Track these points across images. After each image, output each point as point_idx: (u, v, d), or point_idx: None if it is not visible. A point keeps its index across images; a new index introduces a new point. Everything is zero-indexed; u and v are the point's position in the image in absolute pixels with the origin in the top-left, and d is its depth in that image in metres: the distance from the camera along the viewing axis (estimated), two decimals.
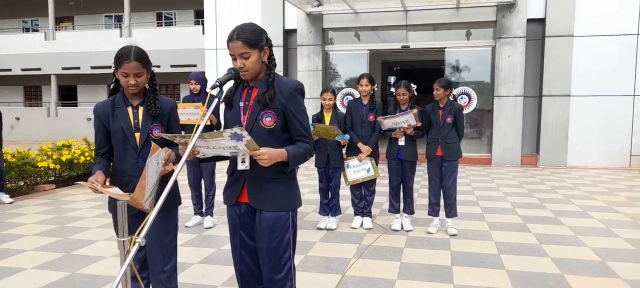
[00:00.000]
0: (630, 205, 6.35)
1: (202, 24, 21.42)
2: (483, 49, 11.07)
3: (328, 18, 11.85)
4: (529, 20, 10.51)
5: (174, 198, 2.61)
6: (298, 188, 2.41)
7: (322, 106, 5.27)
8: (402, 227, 5.16)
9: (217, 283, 3.65)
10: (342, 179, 5.23)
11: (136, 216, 2.45)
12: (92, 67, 21.91)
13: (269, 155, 2.11)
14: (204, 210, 5.45)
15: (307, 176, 8.61)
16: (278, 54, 12.29)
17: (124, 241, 1.60)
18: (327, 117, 5.21)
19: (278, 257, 2.30)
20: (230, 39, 2.23)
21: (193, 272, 3.89)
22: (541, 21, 10.56)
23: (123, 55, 2.40)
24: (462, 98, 5.85)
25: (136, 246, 1.53)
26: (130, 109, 2.52)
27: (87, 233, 5.09)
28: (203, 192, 5.44)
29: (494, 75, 10.74)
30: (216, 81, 2.13)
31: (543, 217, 5.74)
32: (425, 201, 5.38)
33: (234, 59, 2.24)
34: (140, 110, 2.52)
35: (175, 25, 24.17)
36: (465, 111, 5.35)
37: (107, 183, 2.46)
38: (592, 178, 8.79)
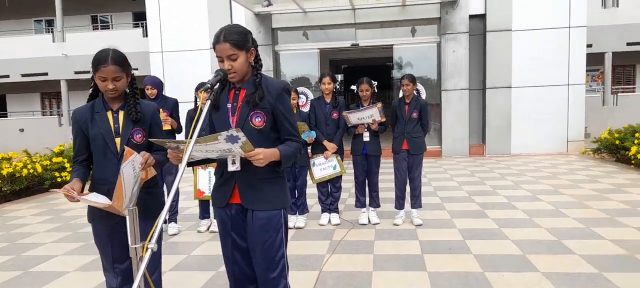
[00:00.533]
0: (574, 187, 6.82)
1: (143, 27, 20.72)
2: (429, 44, 11.46)
3: (277, 18, 11.82)
4: (471, 16, 11.01)
5: (158, 206, 2.53)
6: (287, 187, 2.42)
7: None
8: (369, 221, 5.27)
9: None
10: (309, 177, 5.26)
11: (118, 225, 2.37)
12: (23, 75, 20.56)
13: (264, 155, 2.12)
14: (167, 217, 5.29)
15: None
16: None
17: (136, 248, 1.54)
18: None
19: (272, 256, 2.30)
20: (217, 41, 2.21)
21: (168, 279, 3.77)
22: (482, 17, 11.09)
23: (100, 59, 2.31)
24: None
25: (149, 252, 1.48)
26: (110, 114, 2.42)
27: (42, 249, 4.80)
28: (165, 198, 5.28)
29: (441, 70, 11.15)
30: (208, 83, 2.10)
31: (498, 202, 6.05)
32: (388, 194, 5.53)
33: (221, 61, 2.22)
34: (121, 114, 2.43)
35: (112, 28, 23.15)
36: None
37: (85, 190, 2.36)
38: (535, 164, 9.35)
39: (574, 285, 3.34)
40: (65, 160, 8.59)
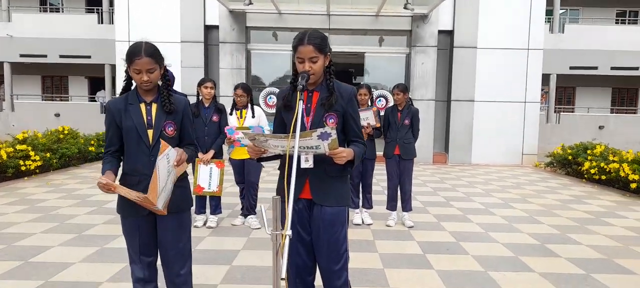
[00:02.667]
0: (538, 197, 7.39)
1: (97, 13, 19.87)
2: (399, 55, 11.90)
3: (251, 16, 11.80)
4: (440, 31, 11.55)
5: (187, 199, 2.56)
6: (349, 185, 2.57)
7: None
8: (362, 221, 5.47)
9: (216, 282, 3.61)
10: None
11: (147, 217, 2.42)
12: None
13: (347, 154, 2.26)
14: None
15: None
16: (198, 50, 11.94)
17: (276, 234, 1.63)
18: None
19: (337, 249, 2.43)
20: (300, 43, 2.31)
21: None
22: (450, 33, 11.67)
23: (134, 52, 2.33)
24: (380, 100, 6.24)
25: (287, 239, 1.58)
26: (143, 106, 2.44)
27: (34, 239, 4.59)
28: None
29: (409, 80, 11.60)
30: (300, 85, 2.21)
31: (476, 208, 6.45)
32: (377, 197, 5.76)
33: (301, 62, 2.33)
34: (154, 106, 2.45)
35: (62, 12, 21.95)
36: (382, 113, 5.67)
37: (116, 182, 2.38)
38: (497, 174, 9.98)
39: (568, 284, 3.70)
40: (30, 148, 8.16)
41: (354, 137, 2.47)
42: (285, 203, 2.45)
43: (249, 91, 5.19)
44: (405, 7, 10.15)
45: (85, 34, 18.77)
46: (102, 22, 19.43)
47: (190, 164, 3.54)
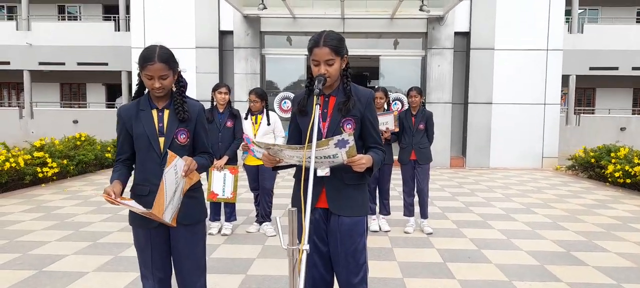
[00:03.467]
0: (561, 202, 7.16)
1: (114, 20, 20.10)
2: (415, 58, 11.75)
3: (265, 21, 11.78)
4: (456, 33, 11.38)
5: (201, 210, 2.44)
6: (368, 194, 2.45)
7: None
8: (379, 228, 5.34)
9: None
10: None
11: (158, 229, 2.31)
12: None
13: (366, 160, 2.15)
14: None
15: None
16: (213, 55, 11.96)
17: (293, 249, 1.53)
18: None
19: (356, 261, 2.32)
20: (315, 45, 2.22)
21: None
22: (466, 34, 11.49)
23: (147, 57, 2.21)
24: (395, 104, 6.08)
25: (305, 254, 1.49)
26: (155, 112, 2.32)
27: (48, 247, 4.57)
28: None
29: (425, 83, 11.44)
30: (316, 88, 2.12)
31: (496, 214, 6.28)
32: (393, 203, 5.63)
33: (317, 65, 2.23)
34: (166, 113, 2.33)
35: (80, 20, 22.28)
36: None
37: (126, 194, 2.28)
38: (516, 178, 9.75)
39: None
40: (47, 155, 8.21)
41: (373, 143, 2.37)
42: (301, 214, 2.37)
43: (263, 96, 5.11)
44: (420, 9, 10.01)
45: (102, 42, 19.02)
46: (118, 30, 19.64)
47: (205, 173, 3.46)
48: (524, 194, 7.78)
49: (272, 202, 5.23)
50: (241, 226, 5.45)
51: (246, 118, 5.10)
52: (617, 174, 8.27)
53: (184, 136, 2.36)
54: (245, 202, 6.61)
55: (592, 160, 9.36)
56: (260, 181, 5.12)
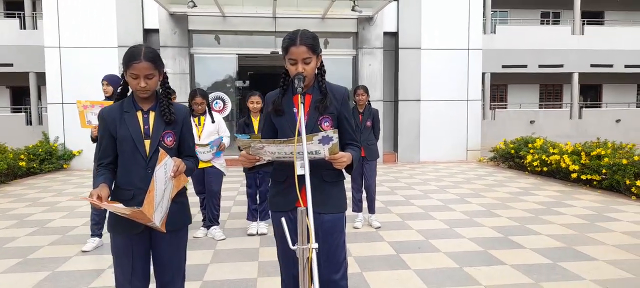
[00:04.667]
0: (490, 191, 7.67)
1: (19, 17, 18.39)
2: (346, 57, 11.97)
3: (193, 19, 11.40)
4: (385, 33, 11.76)
5: (186, 215, 2.40)
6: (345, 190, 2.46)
7: (248, 110, 5.19)
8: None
9: None
10: None
11: (141, 235, 2.22)
12: None
13: (347, 158, 2.17)
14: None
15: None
16: None
17: (303, 249, 1.49)
18: (256, 122, 5.14)
19: (337, 258, 2.33)
20: (292, 44, 2.19)
21: None
22: (395, 35, 11.91)
23: (133, 55, 2.17)
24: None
25: (314, 252, 1.46)
26: (140, 114, 2.25)
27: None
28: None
29: (357, 82, 11.69)
30: (298, 88, 2.09)
31: (435, 205, 6.57)
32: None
33: (293, 64, 2.21)
34: (151, 115, 2.26)
35: None
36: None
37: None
38: (446, 170, 10.27)
39: (539, 274, 3.82)
40: None
41: (349, 140, 2.38)
42: (285, 214, 2.31)
43: (206, 97, 4.98)
44: (353, 9, 10.22)
45: (6, 41, 17.32)
46: (24, 28, 18.01)
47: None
48: (455, 185, 8.22)
49: (219, 206, 5.09)
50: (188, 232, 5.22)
51: None
52: (535, 163, 9.00)
53: (171, 139, 2.28)
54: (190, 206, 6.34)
55: (512, 151, 10.11)
56: (207, 184, 4.96)
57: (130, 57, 2.16)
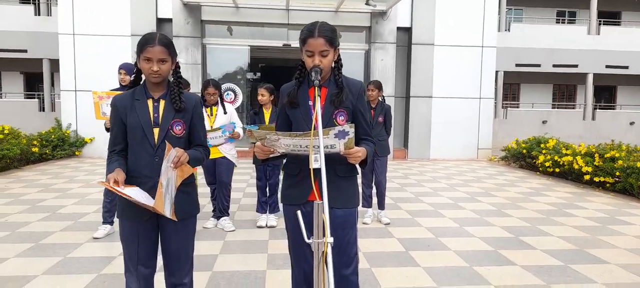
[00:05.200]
0: (500, 191, 7.61)
1: (34, 4, 18.54)
2: (358, 51, 11.91)
3: (207, 10, 11.40)
4: (399, 28, 11.68)
5: (193, 205, 2.40)
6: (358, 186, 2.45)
7: (259, 103, 5.19)
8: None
9: None
10: (281, 176, 5.21)
11: (148, 222, 2.26)
12: None
13: (362, 153, 2.15)
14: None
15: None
16: None
17: (318, 243, 1.48)
18: (267, 114, 5.14)
19: (348, 253, 2.32)
20: (310, 35, 2.17)
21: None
22: (408, 30, 11.82)
23: (147, 40, 2.20)
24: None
25: (329, 247, 1.45)
26: (150, 102, 2.27)
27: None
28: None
29: (369, 77, 11.63)
30: (316, 81, 2.06)
31: (445, 203, 6.54)
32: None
33: (310, 56, 2.19)
34: (162, 103, 2.28)
35: None
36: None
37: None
38: (456, 168, 10.21)
39: (550, 276, 3.78)
40: None
41: (364, 134, 2.36)
42: (299, 207, 2.31)
43: (219, 87, 5.00)
44: (367, 3, 10.14)
45: (20, 27, 17.46)
46: (39, 14, 18.15)
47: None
48: (466, 184, 8.17)
49: (230, 197, 5.11)
50: (198, 222, 5.24)
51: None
52: (547, 164, 8.91)
53: (180, 127, 2.29)
54: (200, 196, 6.37)
55: (524, 151, 10.02)
56: (217, 175, 4.98)
57: (145, 42, 2.19)
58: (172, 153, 2.11)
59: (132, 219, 2.24)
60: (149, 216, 2.21)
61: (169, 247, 2.30)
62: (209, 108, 4.95)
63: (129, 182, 2.20)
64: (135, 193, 2.10)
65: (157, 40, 2.18)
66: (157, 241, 2.33)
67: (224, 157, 4.96)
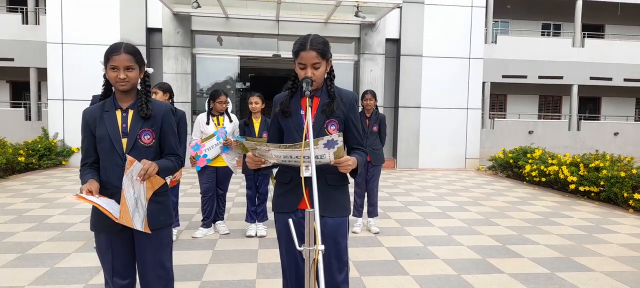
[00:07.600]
0: (488, 200, 7.69)
1: (22, 12, 18.41)
2: (348, 62, 12.01)
3: (197, 20, 11.43)
4: (387, 40, 11.80)
5: (167, 215, 2.35)
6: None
7: (249, 112, 5.21)
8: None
9: None
10: (271, 185, 5.24)
11: (121, 233, 2.24)
12: None
13: (352, 162, 2.18)
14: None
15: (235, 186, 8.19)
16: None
17: (309, 250, 1.50)
18: (257, 124, 5.15)
19: (338, 261, 2.34)
20: (302, 48, 2.21)
21: None
22: (397, 41, 11.95)
23: (113, 49, 2.21)
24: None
25: (320, 254, 1.48)
26: (119, 113, 2.26)
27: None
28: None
29: (358, 87, 11.72)
30: (307, 91, 2.10)
31: (434, 213, 6.59)
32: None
33: (302, 68, 2.23)
34: (130, 113, 2.27)
35: None
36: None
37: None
38: (444, 178, 10.30)
39: (537, 283, 3.84)
40: None
41: (356, 144, 2.40)
42: (290, 215, 2.32)
43: (228, 96, 5.20)
44: (356, 15, 10.24)
45: (7, 35, 17.31)
46: (26, 23, 18.02)
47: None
48: (454, 193, 8.24)
49: (226, 202, 5.29)
50: (185, 231, 5.24)
51: (208, 121, 5.05)
52: (533, 173, 9.03)
53: (149, 136, 2.26)
54: (187, 206, 6.36)
55: (511, 161, 10.14)
56: (219, 183, 5.16)
57: (111, 51, 2.19)
58: (137, 166, 2.08)
59: (106, 231, 2.23)
60: (122, 227, 2.16)
61: (144, 258, 2.28)
62: (215, 117, 5.04)
63: (101, 193, 2.17)
64: (108, 204, 2.07)
65: (122, 49, 2.18)
66: (133, 252, 2.31)
67: (227, 167, 5.11)
